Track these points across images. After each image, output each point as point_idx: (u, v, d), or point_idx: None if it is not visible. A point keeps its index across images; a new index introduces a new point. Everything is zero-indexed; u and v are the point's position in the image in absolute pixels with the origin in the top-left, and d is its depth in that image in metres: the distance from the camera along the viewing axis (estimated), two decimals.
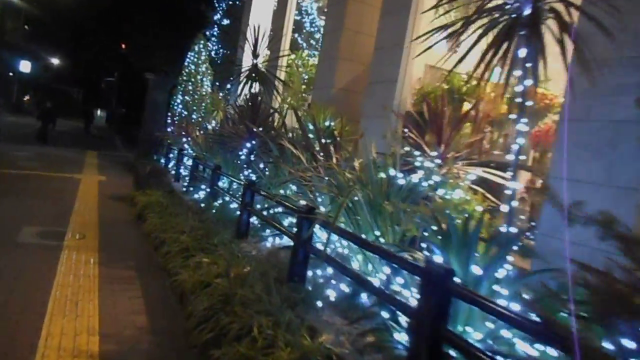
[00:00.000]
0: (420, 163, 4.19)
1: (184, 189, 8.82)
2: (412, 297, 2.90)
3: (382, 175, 4.07)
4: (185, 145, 11.23)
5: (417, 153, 4.83)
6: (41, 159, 13.50)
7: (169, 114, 14.18)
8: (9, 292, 4.05)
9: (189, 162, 9.99)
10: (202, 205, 7.15)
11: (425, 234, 3.24)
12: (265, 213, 5.69)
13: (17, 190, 8.67)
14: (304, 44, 13.38)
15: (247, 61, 13.75)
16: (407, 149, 5.11)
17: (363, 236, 3.73)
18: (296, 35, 13.83)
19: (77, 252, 5.34)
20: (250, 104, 7.33)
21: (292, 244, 4.11)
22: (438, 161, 4.55)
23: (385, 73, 6.80)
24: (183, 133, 11.64)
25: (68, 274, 4.64)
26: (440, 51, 3.77)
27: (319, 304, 3.46)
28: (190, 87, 13.73)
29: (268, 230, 5.64)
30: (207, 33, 14.89)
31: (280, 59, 10.16)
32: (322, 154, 5.36)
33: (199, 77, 13.83)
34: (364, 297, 3.56)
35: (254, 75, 7.87)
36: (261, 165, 6.62)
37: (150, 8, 25.17)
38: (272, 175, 6.27)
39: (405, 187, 3.96)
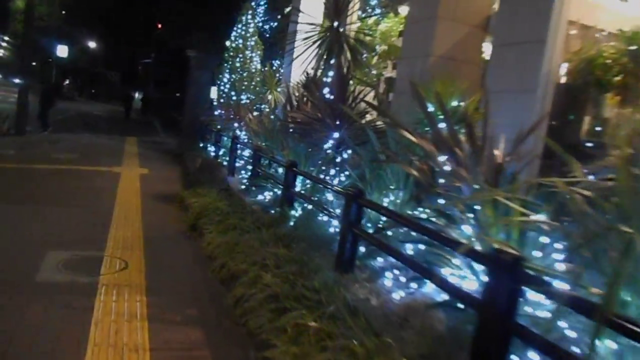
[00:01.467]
0: None
1: (243, 187, 7.22)
2: None
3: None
4: (238, 132, 9.64)
5: None
6: (76, 149, 12.19)
7: (215, 95, 12.58)
8: None
9: (246, 152, 8.40)
10: (273, 212, 5.53)
11: None
12: (374, 234, 4.00)
13: (46, 193, 7.26)
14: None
15: (302, 28, 11.99)
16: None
17: None
18: None
19: (117, 295, 3.78)
20: (336, 79, 5.58)
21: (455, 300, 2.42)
22: None
23: (523, 31, 4.92)
24: (233, 117, 10.05)
25: (104, 343, 3.07)
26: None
27: None
28: (238, 64, 12.07)
29: (380, 259, 3.95)
30: (253, 3, 13.11)
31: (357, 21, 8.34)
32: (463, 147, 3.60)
33: (247, 52, 12.15)
34: None
35: (334, 42, 6.09)
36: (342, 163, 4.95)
37: None
38: (371, 178, 4.53)
39: None
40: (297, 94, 8.26)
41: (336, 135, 5.14)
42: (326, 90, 6.08)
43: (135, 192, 7.81)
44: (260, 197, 6.44)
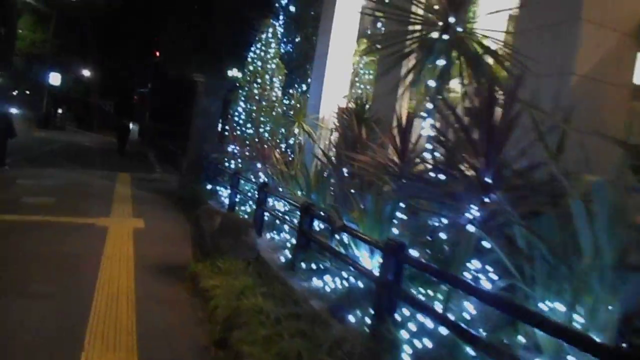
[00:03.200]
0: None
1: (282, 259, 5.01)
2: None
3: None
4: (263, 176, 7.51)
5: None
6: (57, 190, 9.95)
7: (226, 126, 10.47)
8: None
9: (277, 203, 6.24)
10: (355, 322, 3.31)
11: None
12: None
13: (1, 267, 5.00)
14: None
15: (336, 46, 9.99)
16: None
17: None
18: None
19: None
20: (483, 105, 3.42)
21: None
22: None
23: None
24: (255, 155, 7.90)
25: None
26: None
27: None
28: (256, 91, 10.00)
29: None
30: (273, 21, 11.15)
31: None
32: None
33: (266, 76, 10.10)
34: None
35: (449, 47, 3.95)
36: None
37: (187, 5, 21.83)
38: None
39: None
40: (349, 129, 6.21)
41: (484, 199, 2.95)
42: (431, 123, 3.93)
43: (126, 262, 5.54)
44: (317, 281, 4.22)
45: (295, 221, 5.30)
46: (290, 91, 10.50)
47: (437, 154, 3.86)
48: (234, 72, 11.81)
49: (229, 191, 8.90)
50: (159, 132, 35.92)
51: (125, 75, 44.43)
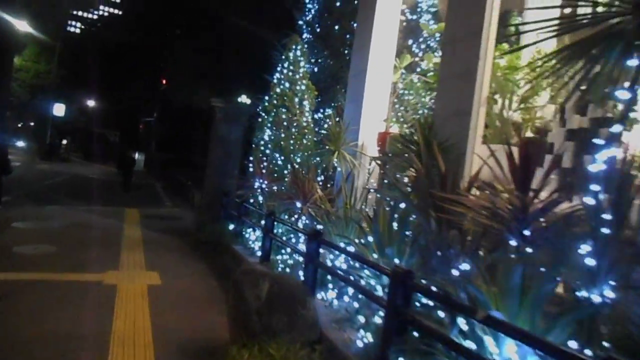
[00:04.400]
0: None
1: (366, 347, 3.60)
2: None
3: None
4: (300, 216, 6.17)
5: None
6: (56, 235, 8.61)
7: (250, 157, 9.14)
8: None
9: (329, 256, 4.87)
10: None
11: None
12: None
13: None
14: None
15: (375, 62, 8.72)
16: None
17: None
18: None
19: None
20: None
21: None
22: None
23: None
24: (295, 193, 6.55)
25: None
26: None
27: None
28: (284, 116, 8.70)
29: None
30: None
31: None
32: None
33: (295, 99, 8.81)
34: None
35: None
36: None
37: (197, 29, 20.85)
38: None
39: None
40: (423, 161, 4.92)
41: None
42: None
43: (143, 346, 4.15)
44: None
45: (374, 285, 3.93)
46: (327, 112, 9.23)
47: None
48: (253, 96, 10.56)
49: (257, 233, 7.54)
50: (166, 161, 34.82)
51: (131, 104, 43.56)
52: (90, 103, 49.23)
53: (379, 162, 8.28)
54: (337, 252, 4.91)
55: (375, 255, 4.52)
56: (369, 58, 8.62)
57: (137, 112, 44.82)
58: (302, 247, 6.01)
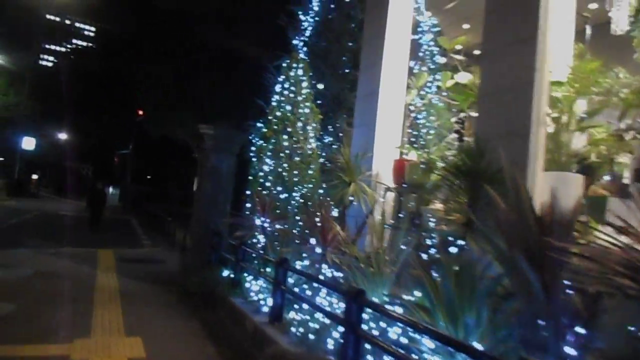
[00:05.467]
0: None
1: None
2: None
3: None
4: (320, 265, 4.96)
5: None
6: (19, 288, 7.17)
7: (246, 191, 7.92)
8: None
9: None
10: None
11: None
12: None
13: None
14: None
15: (389, 82, 7.68)
16: None
17: None
18: None
19: None
20: None
21: None
22: None
23: None
24: (309, 232, 5.35)
25: None
26: None
27: None
28: (286, 143, 7.54)
29: None
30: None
31: None
32: None
33: (299, 124, 7.69)
34: None
35: None
36: None
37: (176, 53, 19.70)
38: None
39: None
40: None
41: None
42: None
43: None
44: None
45: None
46: (327, 140, 8.13)
47: None
48: (242, 123, 9.40)
49: (260, 283, 6.27)
50: (143, 195, 33.25)
51: (106, 137, 41.95)
52: (63, 136, 47.38)
53: (395, 193, 7.23)
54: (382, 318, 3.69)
55: (442, 323, 3.34)
56: (380, 77, 7.59)
57: (111, 145, 43.19)
58: (322, 302, 4.79)
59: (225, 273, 7.45)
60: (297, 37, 10.14)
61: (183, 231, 15.07)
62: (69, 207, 31.08)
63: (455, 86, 7.16)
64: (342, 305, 4.71)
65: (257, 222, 6.85)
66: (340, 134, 9.65)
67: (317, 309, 4.56)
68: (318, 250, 5.15)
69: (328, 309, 4.56)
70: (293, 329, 4.88)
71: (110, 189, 41.68)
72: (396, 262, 4.75)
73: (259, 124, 8.58)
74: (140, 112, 31.73)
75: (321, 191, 7.58)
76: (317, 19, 10.10)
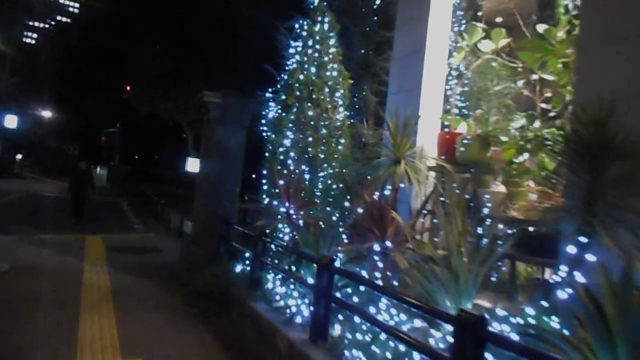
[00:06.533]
0: None
1: None
2: None
3: None
4: (383, 266, 3.72)
5: None
6: None
7: (265, 170, 6.63)
8: None
9: None
10: None
11: None
12: None
13: None
14: None
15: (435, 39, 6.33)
16: None
17: None
18: None
19: None
20: None
21: None
22: None
23: None
24: (363, 225, 4.09)
25: None
26: None
27: None
28: (310, 112, 6.24)
29: None
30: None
31: None
32: None
33: (326, 89, 6.38)
34: None
35: None
36: None
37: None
38: None
39: None
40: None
41: None
42: None
43: None
44: None
45: None
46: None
47: None
48: (250, 91, 8.05)
49: (289, 284, 5.03)
50: (132, 175, 31.76)
51: (92, 115, 40.12)
52: (47, 114, 45.42)
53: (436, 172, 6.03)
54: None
55: None
56: (427, 32, 6.28)
57: (98, 123, 41.40)
58: (386, 320, 3.58)
59: (238, 268, 6.21)
60: None
61: (178, 214, 13.80)
62: (55, 187, 29.49)
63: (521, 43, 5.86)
64: (418, 323, 3.51)
65: (280, 208, 5.57)
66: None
67: (388, 332, 3.32)
68: (376, 247, 3.89)
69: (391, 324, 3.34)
70: (347, 353, 3.66)
71: (98, 169, 40.00)
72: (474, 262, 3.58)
73: (274, 91, 7.27)
74: (128, 88, 29.99)
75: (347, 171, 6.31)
76: None
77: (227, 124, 7.26)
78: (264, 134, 7.32)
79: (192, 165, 30.38)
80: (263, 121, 7.52)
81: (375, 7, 8.52)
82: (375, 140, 6.90)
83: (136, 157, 36.14)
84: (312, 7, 6.81)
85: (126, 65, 29.22)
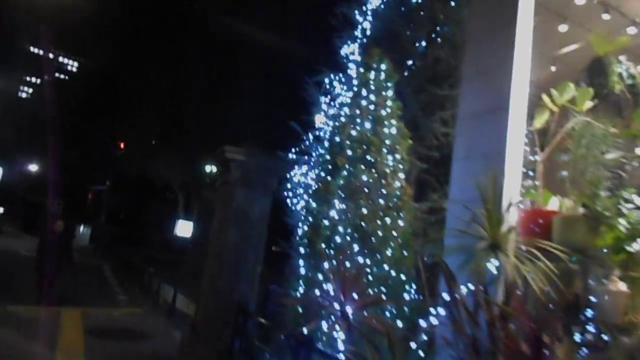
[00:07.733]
0: None
1: None
2: None
3: None
4: None
5: None
6: None
7: (299, 246, 5.19)
8: None
9: None
10: None
11: None
12: None
13: None
14: None
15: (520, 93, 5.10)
16: None
17: None
18: None
19: None
20: None
21: None
22: None
23: None
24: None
25: None
26: None
27: None
28: (364, 177, 4.93)
29: None
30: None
31: None
32: None
33: (383, 150, 5.11)
34: None
35: None
36: None
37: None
38: None
39: None
40: None
41: None
42: None
43: None
44: None
45: None
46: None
47: None
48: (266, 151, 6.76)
49: None
50: (117, 237, 29.83)
51: (80, 171, 38.68)
52: (34, 168, 43.90)
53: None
54: None
55: None
56: (510, 87, 5.12)
57: (86, 180, 39.85)
58: None
59: None
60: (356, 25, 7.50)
61: (169, 286, 12.16)
62: (33, 245, 27.46)
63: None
64: None
65: (334, 304, 4.09)
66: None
67: None
68: None
69: None
70: None
71: (82, 228, 37.95)
72: None
73: (300, 150, 6.02)
74: (122, 146, 28.81)
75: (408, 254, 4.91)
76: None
77: (250, 187, 5.89)
78: (292, 200, 5.99)
79: (183, 228, 28.70)
80: (289, 185, 6.23)
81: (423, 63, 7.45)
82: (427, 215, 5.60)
83: (124, 217, 34.37)
84: (364, 49, 5.68)
85: (120, 124, 28.29)
